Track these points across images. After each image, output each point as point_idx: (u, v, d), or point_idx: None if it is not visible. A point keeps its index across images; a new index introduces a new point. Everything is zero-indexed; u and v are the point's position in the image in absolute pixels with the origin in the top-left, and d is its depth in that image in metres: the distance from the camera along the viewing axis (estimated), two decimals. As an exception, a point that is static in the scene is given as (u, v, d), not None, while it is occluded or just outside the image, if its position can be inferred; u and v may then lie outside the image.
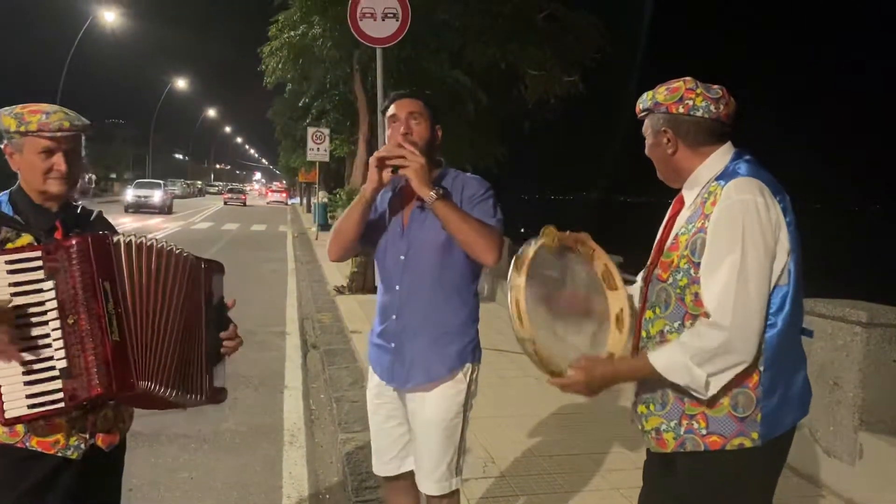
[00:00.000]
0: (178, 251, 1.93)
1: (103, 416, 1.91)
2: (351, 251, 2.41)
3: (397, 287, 2.33)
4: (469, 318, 2.36)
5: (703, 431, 1.76)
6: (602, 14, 12.12)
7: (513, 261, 1.86)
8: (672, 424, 1.80)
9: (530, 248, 1.86)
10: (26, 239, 1.83)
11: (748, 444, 1.74)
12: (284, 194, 56.78)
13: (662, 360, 1.74)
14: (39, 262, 1.73)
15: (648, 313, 1.87)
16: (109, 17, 32.91)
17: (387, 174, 2.23)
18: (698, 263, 1.72)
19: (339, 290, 9.92)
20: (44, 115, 1.85)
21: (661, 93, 1.84)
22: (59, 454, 1.83)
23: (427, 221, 2.28)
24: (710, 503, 1.82)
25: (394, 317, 2.34)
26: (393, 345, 2.35)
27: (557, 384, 1.82)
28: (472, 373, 2.35)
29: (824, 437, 3.62)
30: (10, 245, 1.80)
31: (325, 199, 23.18)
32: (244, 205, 44.45)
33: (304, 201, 41.40)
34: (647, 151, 1.93)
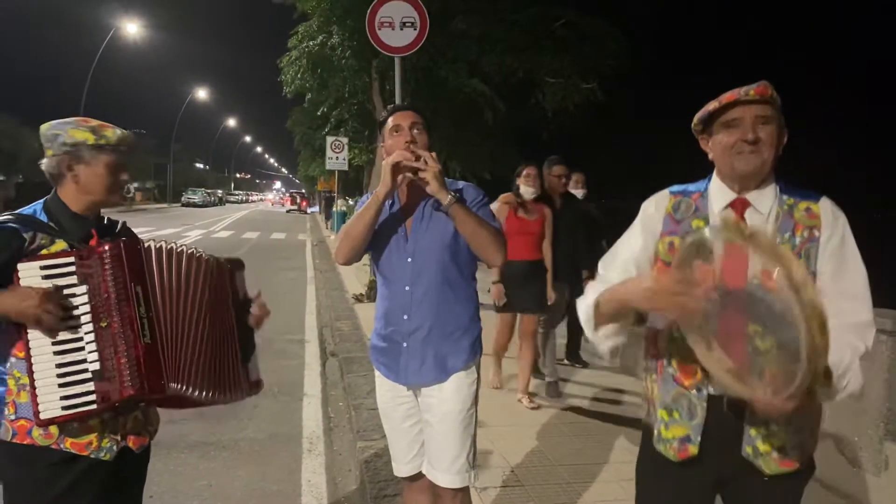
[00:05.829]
0: (201, 255, 1.99)
1: (133, 417, 1.95)
2: (360, 253, 2.45)
3: (407, 288, 2.38)
4: (475, 313, 2.47)
5: (811, 441, 1.79)
6: (618, 21, 12.08)
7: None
8: (799, 440, 1.75)
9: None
10: (60, 245, 1.87)
11: None
12: (304, 203, 57.14)
13: (845, 361, 1.67)
14: (73, 268, 1.78)
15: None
16: (132, 30, 33.42)
17: (401, 178, 2.29)
18: (815, 272, 1.72)
19: (358, 298, 9.95)
20: (117, 130, 1.93)
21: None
22: (93, 455, 1.86)
23: (431, 225, 2.36)
24: None
25: (405, 317, 2.39)
26: (405, 344, 2.39)
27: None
28: (478, 365, 2.47)
29: (849, 448, 3.56)
30: (44, 252, 1.84)
31: (345, 208, 23.33)
32: (282, 206, 67.51)
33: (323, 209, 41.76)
34: (762, 139, 1.72)
